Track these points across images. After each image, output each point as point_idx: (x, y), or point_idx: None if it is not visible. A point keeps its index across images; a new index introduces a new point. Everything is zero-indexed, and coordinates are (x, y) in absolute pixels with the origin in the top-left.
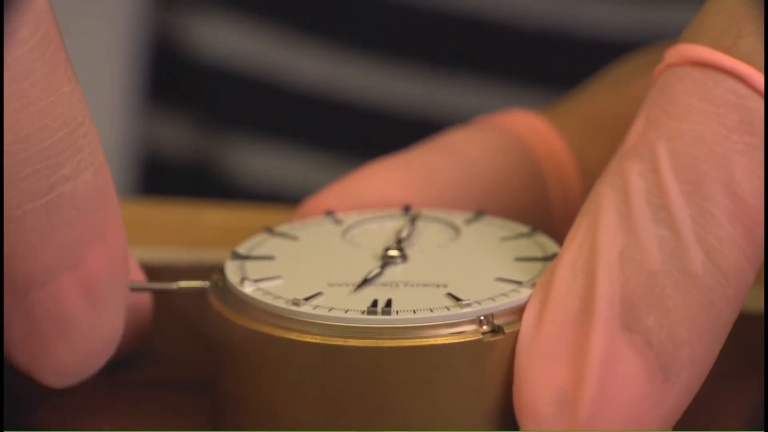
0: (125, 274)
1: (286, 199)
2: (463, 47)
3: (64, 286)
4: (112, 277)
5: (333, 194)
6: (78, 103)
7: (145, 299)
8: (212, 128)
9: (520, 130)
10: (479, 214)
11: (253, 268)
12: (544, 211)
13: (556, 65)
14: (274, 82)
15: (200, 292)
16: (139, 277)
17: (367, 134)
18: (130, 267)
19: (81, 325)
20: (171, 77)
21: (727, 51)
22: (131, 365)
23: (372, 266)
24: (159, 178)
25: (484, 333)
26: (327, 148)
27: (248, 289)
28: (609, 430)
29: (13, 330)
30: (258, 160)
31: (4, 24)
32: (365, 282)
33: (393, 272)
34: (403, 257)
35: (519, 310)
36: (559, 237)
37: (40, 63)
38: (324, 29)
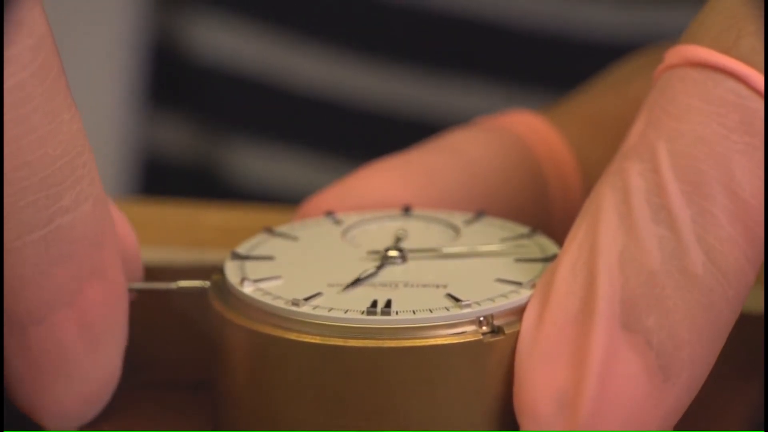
0: (124, 311)
1: (286, 200)
2: (462, 49)
3: (62, 321)
4: (109, 313)
5: (333, 195)
6: (78, 131)
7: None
8: (212, 130)
9: (520, 131)
10: (479, 214)
11: (252, 269)
12: (545, 211)
13: (555, 67)
14: (274, 84)
15: (200, 292)
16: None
17: (367, 136)
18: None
19: (78, 362)
20: (171, 79)
21: (727, 51)
22: (132, 365)
23: (371, 267)
24: (160, 179)
25: (483, 333)
26: (327, 150)
27: (248, 289)
28: (609, 430)
29: (13, 368)
30: (258, 162)
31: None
32: (357, 281)
33: (392, 273)
34: (403, 258)
35: (519, 311)
36: (560, 237)
37: (42, 89)
38: (324, 31)
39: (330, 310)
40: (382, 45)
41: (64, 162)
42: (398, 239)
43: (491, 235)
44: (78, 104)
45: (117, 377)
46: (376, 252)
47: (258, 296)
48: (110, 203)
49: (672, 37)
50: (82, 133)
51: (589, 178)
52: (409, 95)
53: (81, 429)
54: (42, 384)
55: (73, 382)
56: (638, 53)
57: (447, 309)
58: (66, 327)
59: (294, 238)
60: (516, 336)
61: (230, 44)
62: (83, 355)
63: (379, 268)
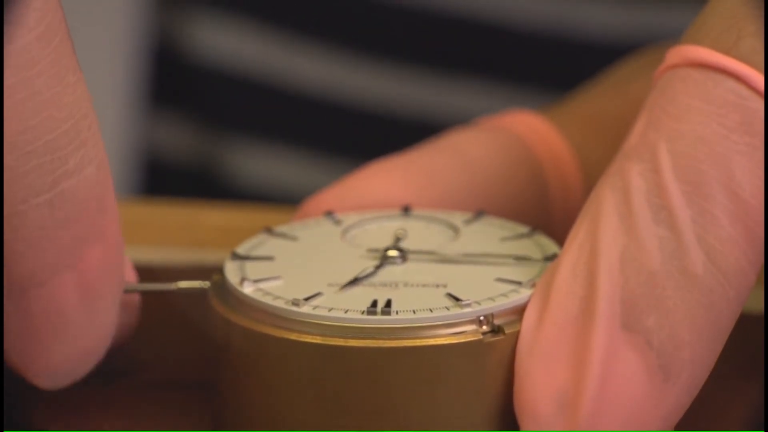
0: (120, 273)
1: (286, 200)
2: (463, 49)
3: (63, 284)
4: (108, 276)
5: (333, 195)
6: (82, 94)
7: (132, 299)
8: (213, 130)
9: (520, 131)
10: (479, 214)
11: (252, 269)
12: (545, 211)
13: (556, 67)
14: (274, 85)
15: (200, 292)
16: (130, 276)
17: (368, 137)
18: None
19: (75, 324)
20: (172, 80)
21: (728, 52)
22: (132, 365)
23: (371, 266)
24: (160, 180)
25: (484, 333)
26: (327, 151)
27: (248, 289)
28: (609, 430)
29: (9, 328)
30: (259, 163)
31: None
32: (355, 281)
33: (392, 272)
34: (403, 257)
35: (519, 311)
36: (560, 237)
37: (47, 51)
38: (325, 32)
39: (330, 310)
40: (381, 45)
41: (69, 125)
42: (398, 239)
43: (491, 235)
44: None
45: (111, 334)
46: (375, 252)
47: (258, 296)
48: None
49: (672, 37)
50: (86, 95)
51: (590, 178)
52: (409, 96)
53: (81, 429)
54: (35, 343)
55: (67, 340)
56: (639, 53)
57: (447, 309)
58: (66, 290)
59: (294, 238)
60: (516, 336)
61: (231, 45)
62: (80, 315)
63: (378, 267)
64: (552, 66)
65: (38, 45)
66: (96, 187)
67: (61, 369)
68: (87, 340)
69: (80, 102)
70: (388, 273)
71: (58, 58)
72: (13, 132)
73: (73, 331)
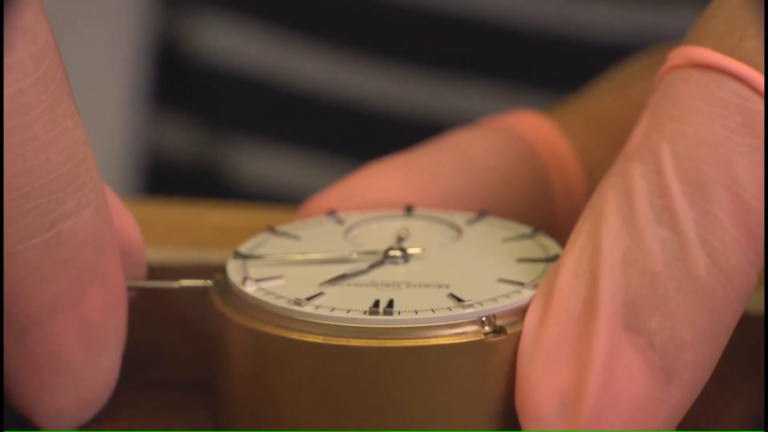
0: (123, 317)
1: (289, 200)
2: (466, 50)
3: (62, 325)
4: (109, 318)
5: (335, 194)
6: (81, 138)
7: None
8: (216, 130)
9: (523, 131)
10: (481, 214)
11: (255, 268)
12: (548, 212)
13: (559, 67)
14: (277, 85)
15: (202, 291)
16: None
17: (370, 137)
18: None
19: (78, 367)
20: (175, 80)
21: (730, 53)
22: (134, 364)
23: (365, 265)
24: (163, 179)
25: (486, 333)
26: (330, 151)
27: (250, 288)
28: (611, 430)
29: (11, 370)
30: (261, 163)
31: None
32: (343, 277)
33: (395, 272)
34: (405, 257)
35: (521, 311)
36: (563, 237)
37: (44, 96)
38: (327, 32)
39: (332, 309)
40: (384, 46)
41: (66, 168)
42: (400, 239)
43: (493, 236)
44: (81, 105)
45: (115, 379)
46: (377, 252)
47: (260, 296)
48: (115, 198)
49: (675, 37)
50: (85, 140)
51: (593, 178)
52: (412, 96)
53: (81, 429)
54: (39, 385)
55: (70, 384)
56: (642, 54)
57: (449, 309)
58: (66, 330)
59: (296, 238)
60: (518, 336)
61: (233, 45)
62: (82, 357)
63: (371, 267)
64: (555, 66)
65: (35, 90)
66: (94, 229)
67: (65, 412)
68: (90, 384)
69: (78, 146)
70: (391, 273)
71: (55, 103)
72: (11, 174)
73: (75, 371)
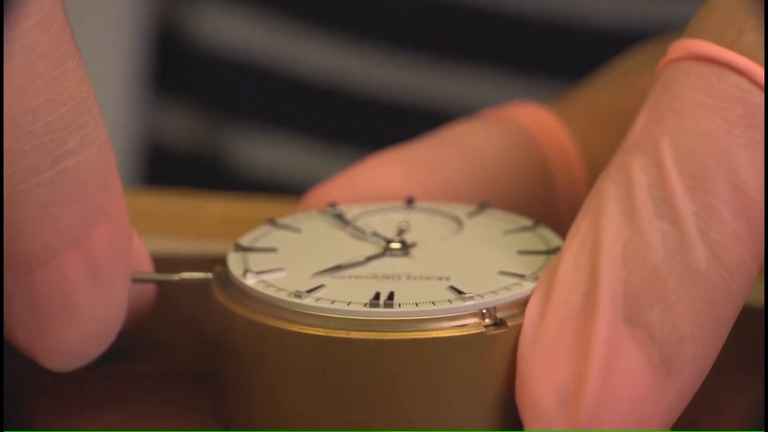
0: (128, 254)
1: (290, 190)
2: (468, 38)
3: (68, 263)
4: (115, 256)
5: (336, 186)
6: (82, 77)
7: (147, 289)
8: (216, 118)
9: (526, 123)
10: (482, 206)
11: (255, 260)
12: (550, 204)
13: (561, 56)
14: (278, 73)
15: (203, 283)
16: (147, 265)
17: (372, 125)
18: (141, 256)
19: (84, 305)
20: (175, 67)
21: (730, 46)
22: (134, 356)
23: (363, 256)
24: (163, 168)
25: (486, 326)
26: (331, 139)
27: (251, 281)
28: (611, 424)
29: (16, 310)
30: (262, 151)
31: None
32: (338, 268)
33: (395, 265)
34: (405, 250)
35: (522, 304)
36: (565, 229)
37: (46, 36)
38: (329, 19)
39: (333, 302)
40: (387, 33)
41: (68, 107)
42: (401, 231)
43: (494, 228)
44: None
45: (122, 316)
46: (378, 244)
47: (261, 288)
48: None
49: (679, 26)
50: (86, 80)
51: (595, 170)
52: (414, 85)
53: (83, 418)
54: (44, 324)
55: (76, 322)
56: (645, 45)
57: (450, 301)
58: (72, 268)
59: (297, 230)
60: (519, 329)
61: (234, 32)
62: (88, 295)
63: (369, 259)
64: (559, 55)
65: (37, 30)
66: (98, 167)
67: (72, 351)
68: (97, 321)
69: (80, 85)
70: (391, 265)
71: (57, 43)
72: (14, 114)
73: (83, 312)
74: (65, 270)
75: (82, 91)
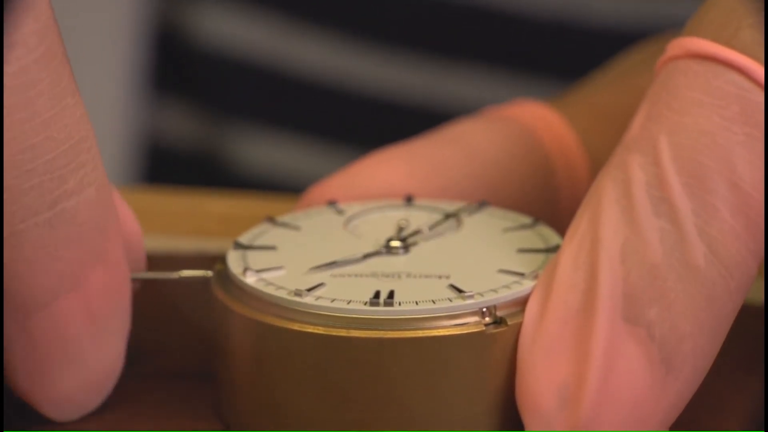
0: (126, 301)
1: (289, 188)
2: (469, 37)
3: (66, 307)
4: (113, 300)
5: (337, 183)
6: (81, 116)
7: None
8: (216, 117)
9: (528, 121)
10: (481, 204)
11: (255, 259)
12: (552, 202)
13: (562, 56)
14: (278, 71)
15: (203, 281)
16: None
17: (372, 124)
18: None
19: (82, 351)
20: (175, 66)
21: (728, 43)
22: (134, 355)
23: (360, 254)
24: (163, 166)
25: (486, 324)
26: (331, 138)
27: (250, 279)
28: (611, 422)
29: (15, 355)
30: (262, 149)
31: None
32: (333, 264)
33: (395, 263)
34: (405, 248)
35: (521, 302)
36: (567, 227)
37: (46, 73)
38: (329, 18)
39: (333, 300)
40: (387, 32)
41: (68, 146)
42: (400, 229)
43: (493, 226)
44: (81, 90)
45: (120, 366)
46: (378, 242)
47: (261, 287)
48: (115, 192)
49: (679, 25)
50: (85, 118)
51: (597, 168)
52: (414, 83)
53: (85, 417)
54: (43, 370)
55: (75, 369)
56: (646, 43)
57: (449, 300)
58: (70, 313)
59: (296, 228)
60: (518, 327)
61: (234, 30)
62: (86, 341)
63: (366, 257)
64: (559, 54)
65: (37, 67)
66: (97, 209)
67: (69, 399)
68: (95, 369)
69: (79, 124)
70: (391, 263)
71: (57, 80)
72: (13, 151)
73: (80, 357)
74: (64, 314)
75: (81, 129)
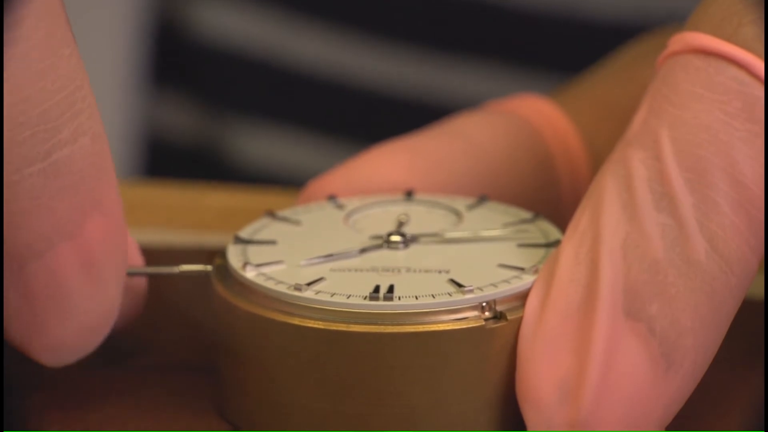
0: (123, 247)
1: (288, 182)
2: (469, 31)
3: (62, 256)
4: (110, 248)
5: (337, 178)
6: (77, 66)
7: (139, 281)
8: (215, 111)
9: (529, 115)
10: (482, 199)
11: (255, 253)
12: (554, 196)
13: (564, 50)
14: (278, 65)
15: (202, 276)
16: (137, 260)
17: (372, 119)
18: (130, 251)
19: (78, 299)
20: (174, 60)
21: (729, 38)
22: (134, 349)
23: (356, 249)
24: (162, 160)
25: (486, 319)
26: (331, 133)
27: (250, 273)
28: (612, 417)
29: (9, 306)
30: (261, 144)
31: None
32: (330, 256)
33: (395, 258)
34: (405, 243)
35: (521, 297)
36: (568, 222)
37: (41, 24)
38: (329, 12)
39: (332, 295)
40: (386, 26)
41: (62, 96)
42: (401, 224)
43: (493, 220)
44: None
45: (116, 310)
46: (378, 237)
47: (260, 281)
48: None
49: (681, 19)
50: (81, 67)
51: (598, 162)
52: (414, 78)
53: (84, 411)
54: (39, 320)
55: (71, 316)
56: (647, 36)
57: (449, 294)
58: (66, 261)
59: (296, 223)
60: (519, 322)
61: (234, 24)
62: (83, 289)
63: (363, 250)
64: (560, 48)
65: (32, 19)
66: (91, 158)
67: (65, 345)
68: (91, 315)
69: (74, 74)
70: (391, 258)
71: (51, 31)
72: (7, 104)
73: (76, 305)
74: (59, 263)
75: (76, 78)
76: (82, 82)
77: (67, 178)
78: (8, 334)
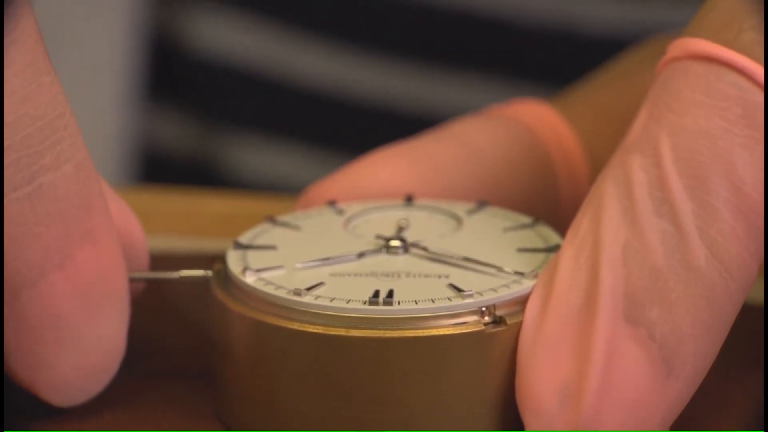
0: (120, 281)
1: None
2: (467, 45)
3: (54, 284)
4: (104, 279)
5: (337, 183)
6: (57, 94)
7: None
8: (211, 124)
9: (527, 120)
10: (481, 204)
11: (254, 258)
12: (553, 201)
13: (560, 63)
14: (273, 79)
15: (202, 281)
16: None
17: (368, 132)
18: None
19: (75, 331)
20: (171, 73)
21: (729, 45)
22: (133, 354)
23: (354, 253)
24: (158, 173)
25: (486, 324)
26: (327, 146)
27: (250, 279)
28: (612, 422)
29: (8, 338)
30: (257, 157)
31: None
32: (327, 260)
33: (394, 262)
34: (405, 247)
35: (521, 301)
36: (567, 226)
37: (22, 53)
38: (324, 25)
39: (332, 300)
40: (382, 39)
41: (44, 123)
42: (400, 229)
43: (493, 226)
44: (77, 98)
45: (121, 349)
46: (378, 242)
47: (260, 286)
48: (110, 191)
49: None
50: (62, 96)
51: (597, 167)
52: (410, 91)
53: (83, 417)
54: (37, 352)
55: (70, 351)
56: (647, 42)
57: (449, 299)
58: (59, 291)
59: (296, 228)
60: (518, 327)
61: (229, 38)
62: (80, 322)
63: (360, 256)
64: (556, 62)
65: (14, 47)
66: (76, 186)
67: (69, 383)
68: (93, 351)
69: (55, 101)
70: (390, 263)
71: (33, 59)
72: None
73: (74, 337)
74: (52, 292)
75: (57, 106)
76: (63, 110)
77: (53, 205)
78: (13, 373)
